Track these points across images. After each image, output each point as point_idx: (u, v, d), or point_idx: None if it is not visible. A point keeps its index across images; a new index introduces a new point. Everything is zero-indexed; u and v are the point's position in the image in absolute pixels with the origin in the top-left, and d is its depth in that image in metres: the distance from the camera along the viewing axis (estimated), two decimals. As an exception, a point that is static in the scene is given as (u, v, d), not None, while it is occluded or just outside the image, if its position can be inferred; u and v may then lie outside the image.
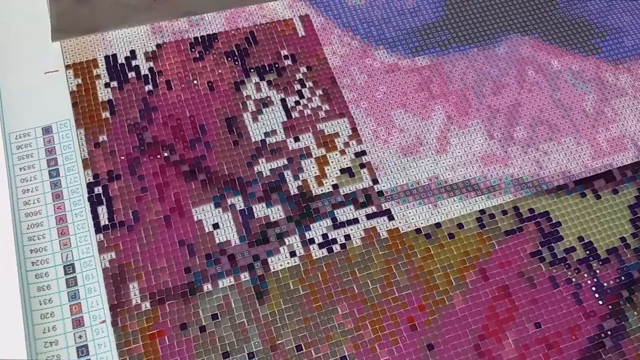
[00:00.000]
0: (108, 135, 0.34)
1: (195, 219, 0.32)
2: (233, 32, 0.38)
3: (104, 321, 0.29)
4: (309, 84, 0.37)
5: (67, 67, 0.36)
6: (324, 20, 0.39)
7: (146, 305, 0.30)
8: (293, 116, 0.36)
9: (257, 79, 0.37)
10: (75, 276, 0.30)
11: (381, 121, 0.36)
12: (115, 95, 0.35)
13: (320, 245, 0.32)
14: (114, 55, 0.36)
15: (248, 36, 0.38)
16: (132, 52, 0.37)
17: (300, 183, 0.34)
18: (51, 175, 0.33)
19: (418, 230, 0.33)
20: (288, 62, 0.37)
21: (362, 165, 0.35)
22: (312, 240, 0.32)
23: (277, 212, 0.33)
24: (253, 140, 0.35)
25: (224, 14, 0.39)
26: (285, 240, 0.32)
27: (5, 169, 0.32)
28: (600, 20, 0.42)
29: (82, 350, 0.28)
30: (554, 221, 0.34)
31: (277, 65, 0.37)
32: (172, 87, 0.36)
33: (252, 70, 0.37)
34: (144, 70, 0.36)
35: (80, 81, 0.35)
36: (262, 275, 0.31)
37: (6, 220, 0.31)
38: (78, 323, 0.29)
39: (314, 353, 0.29)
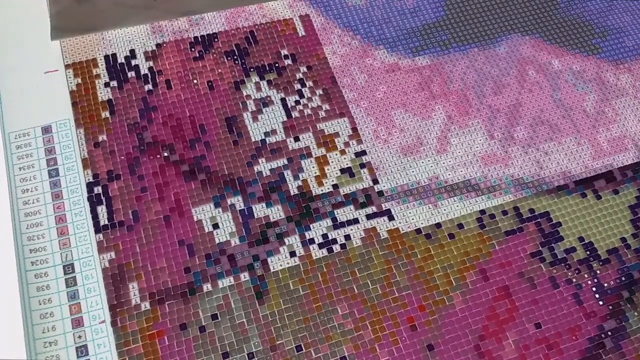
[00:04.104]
0: (108, 135, 0.34)
1: (195, 219, 0.32)
2: (233, 31, 0.38)
3: (103, 321, 0.29)
4: (309, 83, 0.37)
5: (67, 66, 0.36)
6: (324, 20, 0.39)
7: (146, 305, 0.30)
8: (293, 116, 0.36)
9: (257, 79, 0.37)
10: (75, 276, 0.30)
11: (381, 121, 0.36)
12: (115, 94, 0.35)
13: (320, 246, 0.32)
14: (114, 55, 0.36)
15: (248, 36, 0.38)
16: (132, 51, 0.37)
17: (300, 183, 0.34)
18: (51, 174, 0.33)
19: (418, 231, 0.33)
20: (288, 61, 0.37)
21: (362, 165, 0.35)
22: (312, 240, 0.32)
23: (277, 212, 0.33)
24: (253, 140, 0.35)
25: (223, 13, 0.39)
26: (285, 240, 0.32)
27: (5, 169, 0.32)
28: (601, 20, 0.42)
29: (82, 350, 0.28)
30: (554, 221, 0.34)
31: (277, 65, 0.37)
32: (172, 86, 0.36)
33: (252, 69, 0.37)
34: (144, 70, 0.36)
35: (79, 81, 0.35)
36: (262, 275, 0.31)
37: (5, 220, 0.31)
38: (77, 323, 0.29)
39: (313, 353, 0.29)
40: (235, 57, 0.37)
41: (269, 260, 0.31)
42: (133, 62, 0.36)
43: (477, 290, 0.32)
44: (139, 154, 0.34)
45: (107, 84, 0.35)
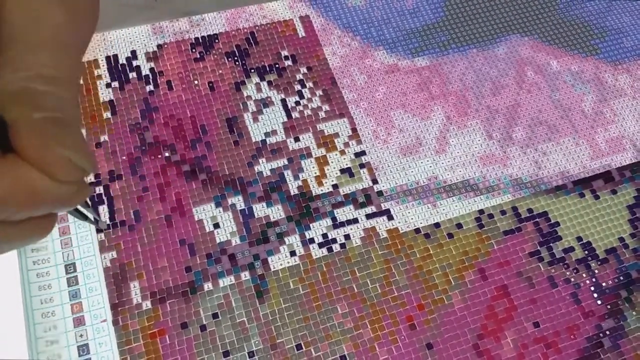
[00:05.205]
0: (109, 135, 0.34)
1: (196, 219, 0.32)
2: (234, 32, 0.38)
3: (104, 320, 0.29)
4: (309, 84, 0.37)
5: (69, 67, 0.36)
6: (324, 21, 0.39)
7: (147, 304, 0.30)
8: (293, 116, 0.36)
9: (258, 80, 0.37)
10: (76, 275, 0.30)
11: (381, 121, 0.36)
12: (116, 95, 0.35)
13: (320, 245, 0.32)
14: (115, 56, 0.37)
15: (248, 36, 0.38)
16: (133, 52, 0.37)
17: (300, 183, 0.34)
18: (52, 174, 0.33)
19: (417, 230, 0.33)
20: (288, 62, 0.38)
21: (362, 165, 0.35)
22: (312, 240, 0.32)
23: (277, 212, 0.33)
24: (253, 140, 0.35)
25: (224, 14, 0.39)
26: (285, 239, 0.32)
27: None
28: (599, 21, 0.42)
29: (83, 349, 0.29)
30: (552, 221, 0.34)
31: (277, 66, 0.37)
32: (173, 87, 0.36)
33: (253, 70, 0.37)
34: (145, 71, 0.36)
35: (81, 81, 0.36)
36: (263, 274, 0.31)
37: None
38: (79, 322, 0.29)
39: (313, 352, 0.30)
40: (235, 58, 0.37)
41: (269, 259, 0.32)
42: (134, 63, 0.36)
43: (475, 289, 0.32)
44: (140, 154, 0.34)
45: (108, 85, 0.36)
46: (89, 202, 0.26)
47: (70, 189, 0.16)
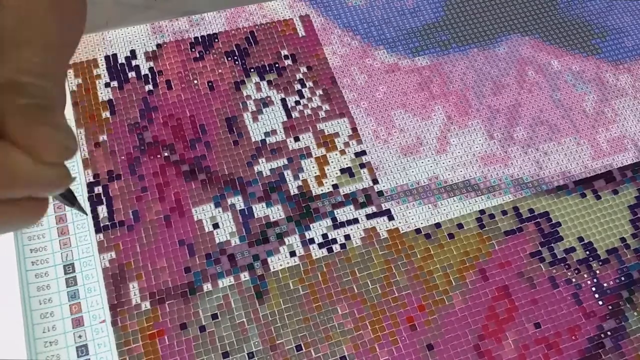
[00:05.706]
0: (108, 135, 0.34)
1: (195, 219, 0.32)
2: (233, 31, 0.38)
3: (103, 321, 0.29)
4: (309, 83, 0.37)
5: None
6: (324, 20, 0.39)
7: (146, 305, 0.30)
8: (293, 116, 0.36)
9: (258, 79, 0.37)
10: (75, 276, 0.30)
11: (381, 121, 0.36)
12: (115, 95, 0.35)
13: (320, 245, 0.32)
14: (114, 55, 0.36)
15: (248, 36, 0.38)
16: (133, 51, 0.37)
17: (300, 183, 0.34)
18: (51, 174, 0.32)
19: (418, 231, 0.33)
20: (288, 62, 0.37)
21: (362, 165, 0.35)
22: (312, 240, 0.32)
23: (277, 212, 0.33)
24: (253, 140, 0.35)
25: (224, 13, 0.39)
26: (285, 240, 0.32)
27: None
28: (600, 20, 0.42)
29: (82, 349, 0.28)
30: (553, 221, 0.34)
31: (277, 65, 0.37)
32: (172, 86, 0.36)
33: (253, 70, 0.37)
34: (144, 70, 0.36)
35: (80, 81, 0.35)
36: (262, 275, 0.31)
37: (6, 220, 0.31)
38: (78, 322, 0.29)
39: (313, 353, 0.29)
40: (235, 57, 0.37)
41: (269, 260, 0.31)
42: (133, 63, 0.36)
43: (476, 290, 0.32)
44: (140, 154, 0.34)
45: (107, 84, 0.36)
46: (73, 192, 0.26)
47: (53, 172, 0.17)
